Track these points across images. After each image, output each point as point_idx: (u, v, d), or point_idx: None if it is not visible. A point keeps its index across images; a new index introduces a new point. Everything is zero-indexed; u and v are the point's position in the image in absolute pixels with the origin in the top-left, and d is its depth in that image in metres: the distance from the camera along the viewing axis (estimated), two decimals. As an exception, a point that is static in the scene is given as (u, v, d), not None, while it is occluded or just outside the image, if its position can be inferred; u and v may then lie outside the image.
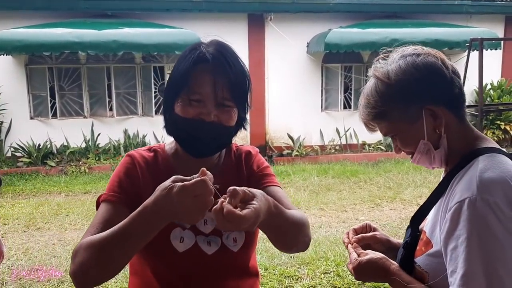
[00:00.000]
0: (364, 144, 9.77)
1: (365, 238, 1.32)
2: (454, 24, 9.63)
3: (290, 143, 9.67)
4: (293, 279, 3.97)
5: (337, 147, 9.83)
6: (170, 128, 1.23)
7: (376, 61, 1.23)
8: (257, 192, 0.99)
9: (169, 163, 1.27)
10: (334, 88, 10.03)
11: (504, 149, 1.14)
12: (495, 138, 9.76)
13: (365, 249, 1.27)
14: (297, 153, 9.36)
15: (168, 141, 1.33)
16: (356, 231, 1.35)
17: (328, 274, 4.03)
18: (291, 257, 4.38)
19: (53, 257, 4.53)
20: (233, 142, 1.34)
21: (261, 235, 1.29)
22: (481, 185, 1.00)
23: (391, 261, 1.19)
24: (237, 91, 1.18)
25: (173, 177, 0.96)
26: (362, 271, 1.20)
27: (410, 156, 1.21)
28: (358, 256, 1.23)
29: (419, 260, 1.14)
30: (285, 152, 9.56)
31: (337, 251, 4.48)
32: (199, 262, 1.20)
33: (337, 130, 9.83)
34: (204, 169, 0.94)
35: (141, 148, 1.32)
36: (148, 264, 1.22)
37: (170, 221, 0.97)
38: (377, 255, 1.21)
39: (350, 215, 5.73)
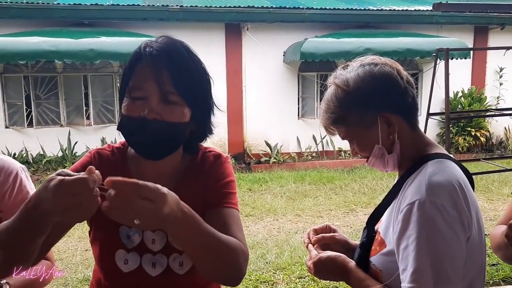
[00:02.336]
0: (340, 150, 9.94)
1: (325, 238, 1.36)
2: (425, 34, 9.93)
3: (268, 150, 9.78)
4: (268, 284, 4.05)
5: (314, 154, 9.98)
6: (120, 130, 1.15)
7: (337, 69, 1.28)
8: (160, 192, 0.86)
9: (126, 167, 1.22)
10: (311, 96, 10.20)
11: (451, 155, 1.23)
12: (466, 144, 10.06)
13: (324, 250, 1.32)
14: (274, 160, 9.47)
15: None
16: (316, 231, 1.40)
17: (303, 279, 4.11)
18: (267, 262, 4.46)
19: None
20: (202, 145, 1.28)
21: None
22: (430, 188, 1.06)
23: (350, 259, 1.25)
24: (184, 85, 1.09)
25: (59, 170, 0.85)
26: (322, 267, 1.26)
27: (366, 159, 1.27)
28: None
29: (374, 259, 1.19)
30: (263, 159, 9.66)
31: (312, 255, 4.58)
32: (143, 283, 1.18)
33: (314, 137, 9.98)
34: (92, 167, 0.83)
35: (105, 146, 1.27)
36: (100, 272, 1.23)
37: (53, 218, 0.85)
38: (337, 253, 1.27)
39: (325, 221, 5.84)
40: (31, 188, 1.38)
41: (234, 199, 1.20)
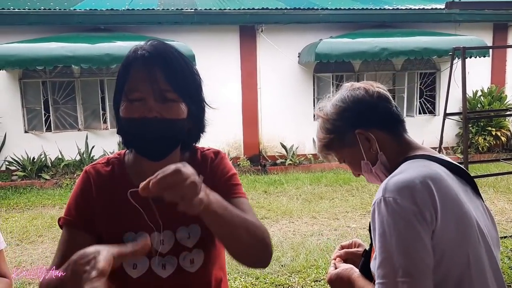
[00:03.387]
0: (357, 152, 9.81)
1: (347, 253, 1.44)
2: (443, 32, 9.77)
3: (284, 152, 9.74)
4: (283, 287, 4.02)
5: (330, 156, 9.88)
6: (121, 135, 1.19)
7: (320, 100, 1.43)
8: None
9: (125, 174, 1.24)
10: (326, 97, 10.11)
11: (436, 155, 1.26)
12: (487, 144, 9.86)
13: (351, 264, 1.38)
14: (290, 162, 9.43)
15: (128, 150, 1.30)
16: (342, 247, 1.48)
17: (319, 282, 4.07)
18: (282, 265, 4.43)
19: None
20: (197, 146, 1.30)
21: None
22: (386, 187, 1.12)
23: (356, 270, 1.31)
24: (179, 82, 1.12)
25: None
26: (334, 282, 1.34)
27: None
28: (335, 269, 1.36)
29: (371, 264, 1.22)
30: (278, 161, 9.63)
31: (328, 259, 4.53)
32: (154, 287, 1.18)
33: (330, 139, 9.86)
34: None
35: (100, 160, 1.30)
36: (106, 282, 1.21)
37: None
38: (346, 266, 1.34)
39: (341, 223, 5.78)
40: None
41: (241, 189, 1.26)
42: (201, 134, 1.26)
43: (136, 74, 1.11)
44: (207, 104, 1.24)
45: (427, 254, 1.06)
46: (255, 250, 1.09)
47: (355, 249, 1.47)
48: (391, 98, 1.35)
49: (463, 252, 1.11)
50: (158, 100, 1.10)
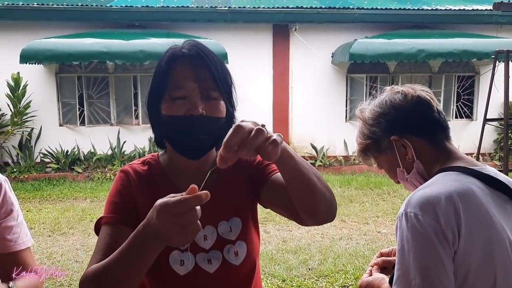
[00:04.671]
0: (389, 155, 9.61)
1: (385, 261, 1.39)
2: (483, 34, 9.43)
3: (314, 153, 9.62)
4: (310, 291, 3.94)
5: (362, 158, 9.71)
6: (160, 134, 1.19)
7: (362, 102, 1.38)
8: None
9: (164, 174, 1.23)
10: (359, 98, 9.93)
11: (475, 167, 1.17)
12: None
13: (388, 272, 1.34)
14: (320, 163, 9.30)
15: (161, 152, 1.29)
16: (382, 254, 1.44)
17: (347, 288, 3.98)
18: (309, 269, 4.34)
19: (75, 262, 4.62)
20: None
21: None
22: (409, 201, 1.08)
23: (386, 280, 1.27)
24: (221, 81, 1.13)
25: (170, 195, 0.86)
26: None
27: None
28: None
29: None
30: (308, 162, 9.49)
31: (356, 264, 4.42)
32: (202, 282, 1.17)
33: (362, 141, 9.70)
34: (195, 187, 0.80)
35: (135, 161, 1.28)
36: (150, 283, 1.19)
37: (161, 243, 0.87)
38: (379, 276, 1.31)
39: (371, 228, 5.64)
40: (15, 200, 1.35)
41: (275, 167, 1.22)
42: None
43: (180, 72, 1.11)
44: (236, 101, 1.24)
45: (446, 274, 1.01)
46: (327, 198, 1.04)
47: (394, 257, 1.39)
48: (435, 103, 1.27)
49: (489, 275, 1.05)
50: (203, 98, 1.11)
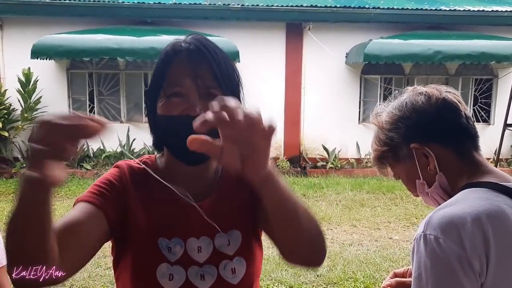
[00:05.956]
0: (402, 158, 9.41)
1: (399, 283, 1.26)
2: (503, 36, 9.15)
3: (325, 154, 9.45)
4: (318, 299, 3.79)
5: (374, 161, 9.52)
6: (156, 135, 1.09)
7: (377, 105, 1.23)
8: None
9: (159, 176, 1.10)
10: (373, 100, 9.73)
11: (508, 184, 1.00)
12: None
13: None
14: (331, 165, 9.13)
15: (158, 154, 1.18)
16: (396, 275, 1.31)
17: (356, 297, 3.83)
18: (317, 275, 4.19)
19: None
20: None
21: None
22: (429, 221, 0.94)
23: None
24: (223, 78, 1.01)
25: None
26: None
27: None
28: None
29: None
30: (319, 164, 9.34)
31: (367, 272, 4.26)
32: None
33: (375, 144, 9.51)
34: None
35: (131, 160, 1.17)
36: None
37: (42, 160, 0.74)
38: None
39: (383, 233, 5.47)
40: None
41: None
42: None
43: (177, 68, 1.01)
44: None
45: None
46: (314, 239, 0.92)
47: (409, 278, 1.26)
48: (462, 107, 1.10)
49: None
50: (202, 97, 0.98)
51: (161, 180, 1.05)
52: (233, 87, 1.04)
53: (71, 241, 0.91)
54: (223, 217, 1.07)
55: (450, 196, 1.05)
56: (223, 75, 1.01)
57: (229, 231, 1.08)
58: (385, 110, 1.18)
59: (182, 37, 1.06)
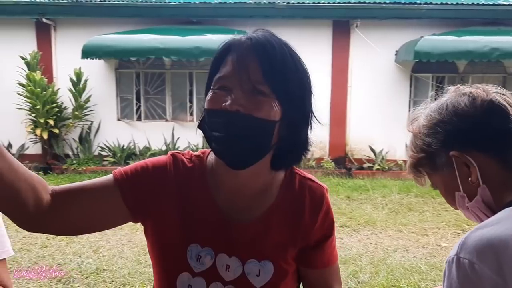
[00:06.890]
0: (454, 161, 8.99)
1: None
2: None
3: (372, 156, 9.18)
4: (358, 308, 3.62)
5: (424, 163, 9.15)
6: (203, 130, 0.99)
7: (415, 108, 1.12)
8: None
9: (204, 181, 1.03)
10: (424, 99, 9.01)
11: None
12: None
13: None
14: (378, 167, 8.85)
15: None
16: None
17: (399, 307, 3.63)
18: (359, 282, 4.02)
19: (120, 258, 4.58)
20: (296, 168, 1.07)
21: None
22: (464, 242, 0.83)
23: None
24: (274, 76, 0.90)
25: None
26: None
27: None
28: None
29: None
30: (365, 165, 9.08)
31: (411, 280, 4.04)
32: None
33: (425, 145, 9.15)
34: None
35: (185, 153, 1.10)
36: None
37: None
38: None
39: (431, 240, 5.20)
40: None
41: (336, 252, 1.10)
42: (303, 154, 1.01)
43: (228, 60, 0.93)
44: (316, 118, 1.01)
45: None
46: None
47: None
48: None
49: None
50: (245, 92, 0.90)
51: (206, 186, 1.02)
52: (289, 88, 0.94)
53: (73, 202, 0.95)
54: (263, 244, 1.00)
55: (494, 212, 0.91)
56: (274, 72, 0.91)
57: (262, 260, 1.01)
58: (423, 113, 1.06)
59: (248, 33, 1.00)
